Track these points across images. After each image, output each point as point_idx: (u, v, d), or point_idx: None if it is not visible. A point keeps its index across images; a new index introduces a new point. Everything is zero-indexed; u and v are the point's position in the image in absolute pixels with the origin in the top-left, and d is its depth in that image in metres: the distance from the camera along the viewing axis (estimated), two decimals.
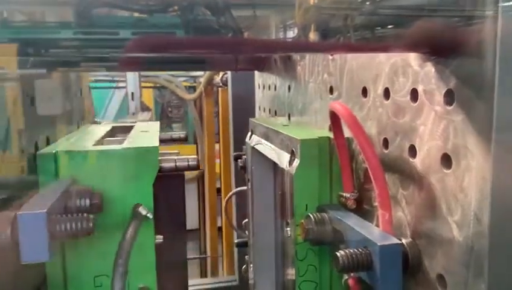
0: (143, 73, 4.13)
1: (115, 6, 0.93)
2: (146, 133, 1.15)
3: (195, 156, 1.00)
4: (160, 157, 0.91)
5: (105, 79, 4.63)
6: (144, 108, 4.34)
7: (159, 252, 0.93)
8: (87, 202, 0.80)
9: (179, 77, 4.36)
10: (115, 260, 0.81)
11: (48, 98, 1.68)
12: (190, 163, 0.97)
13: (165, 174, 0.94)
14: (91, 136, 1.09)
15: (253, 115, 1.66)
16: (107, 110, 6.45)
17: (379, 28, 0.90)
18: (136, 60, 1.69)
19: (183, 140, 1.61)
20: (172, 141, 1.52)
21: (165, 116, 6.98)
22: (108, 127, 1.35)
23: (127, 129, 1.31)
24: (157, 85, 4.72)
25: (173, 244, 1.12)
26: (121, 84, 5.10)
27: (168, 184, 1.06)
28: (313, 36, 1.17)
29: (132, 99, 4.03)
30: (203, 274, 4.42)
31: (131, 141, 1.00)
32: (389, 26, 0.85)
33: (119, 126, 1.35)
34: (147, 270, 0.90)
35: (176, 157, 0.98)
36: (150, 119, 4.18)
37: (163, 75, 4.19)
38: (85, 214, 0.75)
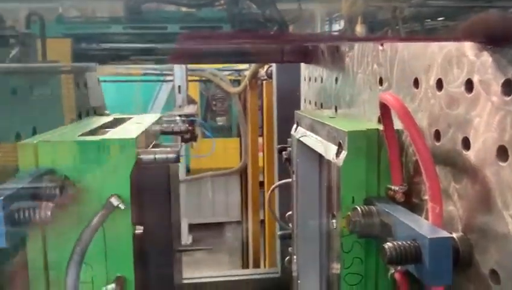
0: (189, 67, 4.21)
1: (164, 1, 0.95)
2: (136, 124, 1.14)
3: (175, 149, 0.97)
4: (139, 150, 0.91)
5: (154, 72, 4.74)
6: (190, 101, 4.42)
7: (141, 242, 0.94)
8: (57, 191, 0.81)
9: (224, 71, 4.42)
10: (73, 247, 0.81)
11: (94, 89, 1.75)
12: (169, 156, 0.94)
13: (148, 166, 0.93)
14: (84, 128, 1.09)
15: (298, 108, 1.66)
16: (154, 103, 6.63)
17: (428, 19, 0.88)
18: (185, 53, 1.74)
19: (184, 133, 1.60)
20: (174, 133, 1.51)
21: (209, 110, 7.08)
22: (109, 119, 1.36)
23: (126, 121, 1.32)
24: (203, 78, 4.79)
25: (158, 235, 1.12)
26: (168, 78, 5.23)
27: (152, 176, 1.07)
28: (359, 29, 1.16)
29: (179, 92, 4.13)
30: (245, 265, 4.48)
31: (113, 132, 1.01)
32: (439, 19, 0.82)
33: (121, 118, 1.36)
34: (124, 260, 0.90)
35: (155, 149, 0.96)
36: (196, 113, 4.25)
37: (209, 69, 4.26)
38: (44, 203, 0.75)
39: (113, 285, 0.87)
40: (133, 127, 1.07)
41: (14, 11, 1.45)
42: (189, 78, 5.14)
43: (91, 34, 1.80)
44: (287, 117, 2.25)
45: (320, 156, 1.13)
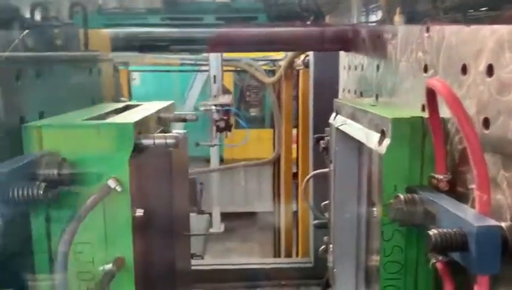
0: (224, 57, 4.23)
1: None
2: (142, 111, 1.17)
3: (175, 134, 0.99)
4: (140, 135, 0.94)
5: (190, 63, 4.79)
6: (225, 91, 4.45)
7: (141, 226, 0.95)
8: (55, 172, 0.84)
9: (259, 61, 4.41)
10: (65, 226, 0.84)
11: None
12: (168, 141, 0.97)
13: (151, 150, 0.96)
14: (93, 113, 1.12)
15: (335, 98, 1.64)
16: (190, 93, 6.71)
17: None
18: (221, 42, 1.75)
19: (195, 121, 1.62)
20: (184, 121, 1.54)
21: (243, 100, 7.11)
22: (121, 105, 1.39)
23: (136, 107, 1.36)
24: (238, 69, 4.81)
25: (159, 219, 1.14)
26: (203, 68, 5.27)
27: (156, 160, 1.09)
28: (398, 19, 1.13)
29: (214, 82, 4.18)
30: (277, 255, 4.50)
31: (116, 118, 1.04)
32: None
33: (133, 104, 1.40)
34: (123, 241, 0.91)
35: (155, 134, 0.99)
36: (231, 103, 4.29)
37: (244, 59, 4.27)
38: (37, 182, 0.79)
39: (110, 265, 0.89)
40: (138, 113, 1.10)
41: (57, 2, 1.50)
42: (224, 68, 5.17)
43: (130, 25, 1.85)
44: (323, 107, 2.24)
45: (360, 145, 1.12)
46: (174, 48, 1.98)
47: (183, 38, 1.79)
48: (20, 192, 0.77)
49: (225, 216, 6.70)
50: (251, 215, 6.93)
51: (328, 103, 1.47)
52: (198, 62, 4.74)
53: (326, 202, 1.42)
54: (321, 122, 2.01)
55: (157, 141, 0.95)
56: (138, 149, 0.94)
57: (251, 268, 2.42)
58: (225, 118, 4.04)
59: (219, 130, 4.13)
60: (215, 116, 4.04)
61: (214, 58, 4.15)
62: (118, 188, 0.88)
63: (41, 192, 0.78)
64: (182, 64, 4.77)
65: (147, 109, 1.21)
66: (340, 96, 1.61)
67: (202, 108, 4.10)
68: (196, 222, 4.51)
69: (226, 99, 4.18)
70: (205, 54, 4.17)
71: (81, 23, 1.52)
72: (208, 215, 5.95)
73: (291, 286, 2.34)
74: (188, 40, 1.80)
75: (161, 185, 1.21)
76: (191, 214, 4.49)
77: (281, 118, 3.92)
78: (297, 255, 3.35)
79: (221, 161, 6.61)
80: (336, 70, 1.69)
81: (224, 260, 2.44)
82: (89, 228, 0.90)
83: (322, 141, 1.34)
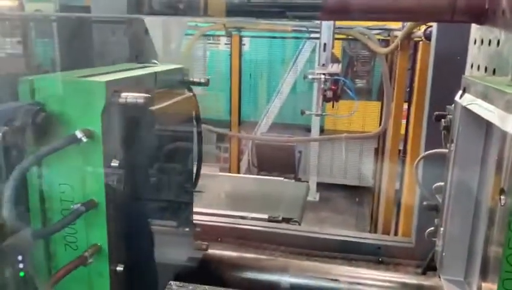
0: (336, 24, 4.12)
1: None
2: (136, 70, 1.27)
3: (146, 95, 1.07)
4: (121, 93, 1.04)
5: (301, 29, 4.76)
6: (334, 60, 4.35)
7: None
8: (29, 120, 0.97)
9: (373, 30, 4.22)
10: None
11: None
12: (138, 100, 1.06)
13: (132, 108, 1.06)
14: (97, 71, 1.20)
15: (459, 74, 1.52)
16: (297, 60, 6.69)
17: None
18: (337, 10, 1.71)
19: (205, 85, 1.57)
20: (192, 83, 1.53)
21: (350, 70, 6.92)
22: (137, 66, 1.44)
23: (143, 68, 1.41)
24: (349, 37, 4.67)
25: (136, 175, 1.19)
26: (312, 35, 5.20)
27: (137, 118, 1.14)
28: None
29: (324, 50, 4.08)
30: (372, 230, 4.44)
31: (104, 76, 1.11)
32: None
33: (146, 66, 1.44)
34: (97, 186, 1.05)
35: (129, 93, 1.06)
36: (340, 72, 4.19)
37: (357, 27, 4.12)
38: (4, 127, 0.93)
39: (78, 205, 1.02)
40: (128, 72, 1.21)
41: None
42: (335, 36, 5.05)
43: None
44: (444, 83, 2.09)
45: (488, 127, 1.04)
46: (288, 14, 1.98)
47: (298, 4, 1.77)
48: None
49: (322, 186, 6.72)
50: (349, 188, 6.85)
51: (450, 79, 1.37)
52: (309, 29, 4.68)
53: (439, 183, 1.35)
54: (439, 100, 1.89)
55: (128, 100, 1.05)
56: (115, 105, 1.05)
57: (348, 240, 2.42)
58: (333, 87, 3.96)
59: (326, 100, 4.08)
60: (323, 85, 3.97)
61: (326, 26, 4.04)
62: (84, 139, 1.00)
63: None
64: (293, 31, 4.76)
65: (146, 70, 1.30)
66: (466, 72, 1.49)
67: (310, 76, 4.05)
68: (293, 188, 4.59)
69: (335, 68, 4.08)
70: (317, 22, 4.10)
71: None
72: (306, 183, 6.01)
73: (389, 263, 2.30)
74: (302, 6, 1.78)
75: (150, 140, 1.27)
76: (289, 181, 4.58)
77: (392, 91, 3.76)
78: (395, 233, 3.27)
79: (322, 131, 6.57)
80: (462, 44, 1.56)
81: (320, 229, 2.46)
82: (70, 171, 1.05)
83: (443, 120, 1.26)
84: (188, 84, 1.48)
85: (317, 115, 5.02)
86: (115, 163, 1.08)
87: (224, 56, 6.55)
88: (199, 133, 1.63)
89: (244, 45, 6.09)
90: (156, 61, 1.67)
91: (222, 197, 3.36)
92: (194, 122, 1.61)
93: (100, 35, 1.57)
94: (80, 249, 1.07)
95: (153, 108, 1.15)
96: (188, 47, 5.30)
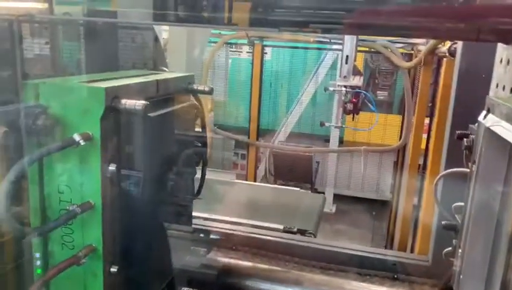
0: (360, 36, 4.10)
1: None
2: (140, 77, 1.30)
3: (144, 102, 1.09)
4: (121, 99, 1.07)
5: (323, 40, 4.76)
6: (356, 72, 4.32)
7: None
8: (30, 121, 1.01)
9: (396, 43, 4.20)
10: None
11: None
12: (136, 107, 1.09)
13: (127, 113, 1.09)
14: (103, 76, 1.25)
15: (483, 93, 1.50)
16: (317, 71, 6.68)
17: None
18: (362, 24, 1.70)
19: (208, 93, 1.58)
20: (196, 91, 1.55)
21: (372, 82, 6.87)
22: (143, 73, 1.47)
23: (147, 76, 1.43)
24: (372, 50, 4.65)
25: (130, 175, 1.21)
26: (334, 47, 5.20)
27: (136, 124, 1.17)
28: None
29: (346, 62, 4.02)
30: (388, 246, 4.38)
31: (104, 82, 1.14)
32: None
33: (153, 73, 1.48)
34: (93, 188, 1.08)
35: (128, 100, 1.09)
36: (362, 85, 4.19)
37: (380, 40, 4.10)
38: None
39: (74, 206, 1.07)
40: (131, 80, 1.23)
41: None
42: (358, 48, 5.02)
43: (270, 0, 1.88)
44: (467, 101, 2.07)
45: None
46: (312, 26, 1.98)
47: (322, 16, 1.77)
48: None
49: (338, 198, 6.67)
50: (366, 201, 6.78)
51: (473, 97, 1.35)
52: (332, 40, 4.68)
53: (459, 203, 1.33)
54: (462, 117, 1.86)
55: (127, 107, 1.09)
56: (114, 110, 1.08)
57: (363, 255, 2.39)
58: (354, 100, 3.96)
59: (346, 112, 4.07)
60: (344, 98, 3.96)
61: (348, 38, 4.01)
62: (82, 142, 1.03)
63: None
64: (315, 42, 4.76)
65: (150, 78, 1.33)
66: (491, 92, 1.47)
67: (331, 88, 4.04)
68: (309, 199, 4.56)
69: (356, 81, 4.07)
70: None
71: None
72: (323, 194, 5.98)
73: (404, 281, 2.26)
74: (327, 19, 1.78)
75: (149, 145, 1.30)
76: (305, 191, 4.55)
77: (413, 105, 3.72)
78: (411, 250, 3.22)
79: (341, 142, 6.53)
80: (487, 63, 1.54)
81: (335, 243, 2.44)
82: (69, 173, 1.09)
83: (465, 139, 1.25)
84: (192, 92, 1.51)
85: (336, 127, 5.00)
86: (112, 166, 1.11)
87: (246, 64, 6.59)
88: (203, 140, 1.64)
89: (266, 54, 6.13)
90: (165, 68, 1.71)
91: (238, 205, 3.36)
92: (193, 128, 1.64)
93: (111, 42, 1.61)
94: (76, 249, 1.11)
95: (151, 114, 1.18)
96: (211, 54, 5.35)
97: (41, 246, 1.13)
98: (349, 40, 4.00)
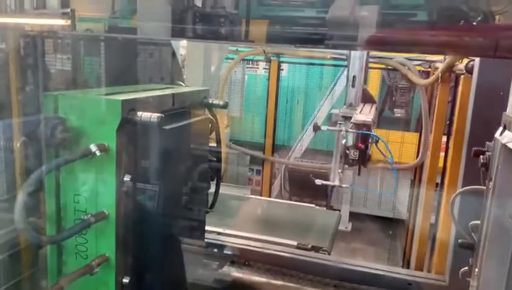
0: (374, 53, 4.08)
1: None
2: (156, 90, 1.34)
3: (159, 115, 1.12)
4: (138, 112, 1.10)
5: (341, 57, 4.76)
6: (367, 99, 3.30)
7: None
8: (48, 132, 1.04)
9: (413, 61, 4.18)
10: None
11: None
12: (151, 119, 1.11)
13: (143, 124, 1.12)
14: (121, 90, 1.28)
15: (500, 110, 1.49)
16: (334, 88, 6.67)
17: None
18: (377, 41, 1.71)
19: (223, 107, 1.59)
20: (211, 105, 1.57)
21: (389, 100, 6.83)
22: (159, 87, 1.51)
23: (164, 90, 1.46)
24: (388, 67, 4.63)
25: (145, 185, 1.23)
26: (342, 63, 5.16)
27: (151, 136, 1.20)
28: None
29: (352, 85, 3.11)
30: (405, 265, 4.29)
31: (121, 94, 1.16)
32: None
33: (168, 87, 1.52)
34: (108, 199, 1.09)
35: (143, 113, 1.13)
36: (373, 120, 2.95)
37: (397, 57, 4.09)
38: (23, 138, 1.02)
39: (88, 215, 1.09)
40: (147, 93, 1.27)
41: None
42: (373, 65, 5.01)
43: (287, 17, 1.90)
44: (484, 118, 2.04)
45: None
46: (327, 43, 1.99)
47: (337, 33, 1.77)
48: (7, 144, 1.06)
49: (354, 216, 6.58)
50: (382, 219, 6.67)
51: (491, 114, 1.34)
52: (341, 56, 4.67)
53: (476, 222, 1.31)
54: (479, 135, 1.84)
55: (143, 118, 1.12)
56: (130, 122, 1.11)
57: (378, 274, 2.35)
58: (361, 145, 2.60)
59: (348, 163, 2.71)
60: (344, 140, 2.62)
61: (356, 54, 3.16)
62: (97, 153, 1.06)
63: (18, 145, 1.07)
64: (332, 58, 4.76)
65: (165, 92, 1.37)
66: (508, 109, 1.45)
67: (325, 127, 2.80)
68: (324, 216, 4.52)
69: (365, 115, 2.89)
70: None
71: (244, 13, 1.64)
72: (338, 211, 5.91)
73: None
74: (342, 36, 1.78)
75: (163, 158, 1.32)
76: (320, 208, 4.51)
77: (431, 123, 3.68)
78: (428, 270, 3.15)
79: None
80: (504, 79, 1.53)
81: (350, 260, 2.41)
82: (85, 183, 1.11)
83: (482, 156, 1.23)
84: (207, 106, 1.53)
85: (332, 186, 3.64)
86: (127, 177, 1.13)
87: (262, 80, 6.63)
88: (218, 155, 1.66)
89: (282, 70, 6.16)
90: (181, 83, 1.75)
91: (252, 220, 3.35)
92: (208, 142, 1.66)
93: (129, 57, 1.66)
94: (90, 258, 1.12)
95: (166, 127, 1.20)
96: (228, 70, 5.40)
97: (56, 254, 1.14)
98: (357, 59, 3.16)
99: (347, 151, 2.70)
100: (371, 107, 3.25)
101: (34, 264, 1.22)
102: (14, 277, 1.17)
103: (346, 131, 2.63)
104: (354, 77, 3.17)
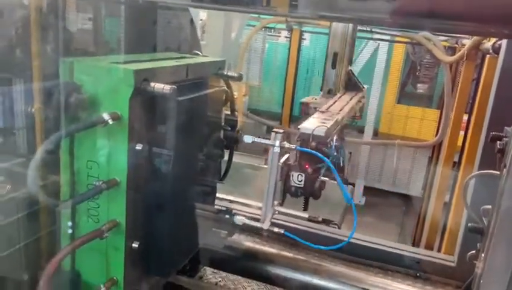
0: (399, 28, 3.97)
1: None
2: (171, 60, 1.34)
3: (172, 86, 1.11)
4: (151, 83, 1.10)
5: (362, 29, 4.62)
6: (352, 85, 2.56)
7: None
8: (64, 98, 1.06)
9: (439, 36, 4.05)
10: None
11: None
12: (164, 90, 1.11)
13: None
14: (135, 58, 1.28)
15: None
16: (356, 60, 6.54)
17: None
18: (410, 14, 1.64)
19: (238, 79, 1.55)
20: (226, 77, 1.54)
21: (412, 75, 6.67)
22: (174, 56, 1.49)
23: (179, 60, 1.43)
24: (413, 41, 4.50)
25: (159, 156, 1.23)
26: (375, 36, 5.02)
27: (164, 106, 1.19)
28: None
29: (333, 66, 2.30)
30: (416, 244, 4.30)
31: (136, 63, 1.16)
32: None
33: (185, 57, 1.49)
34: (120, 166, 1.11)
35: (156, 84, 1.13)
36: (342, 124, 2.29)
37: (423, 32, 3.96)
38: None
39: (100, 182, 1.10)
40: (161, 63, 1.26)
41: None
42: (398, 39, 4.88)
43: None
44: (506, 101, 1.99)
45: None
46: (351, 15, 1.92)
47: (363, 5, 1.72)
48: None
49: (368, 190, 6.58)
50: (396, 195, 6.65)
51: None
52: (373, 29, 4.55)
53: (488, 206, 1.30)
54: (500, 118, 1.79)
55: (156, 89, 1.12)
56: (143, 92, 1.11)
57: (386, 250, 2.37)
58: (307, 168, 1.69)
59: (290, 191, 1.73)
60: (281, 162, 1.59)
61: (337, 27, 2.46)
62: (110, 121, 1.06)
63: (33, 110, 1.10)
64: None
65: (179, 61, 1.36)
66: None
67: (250, 139, 1.37)
68: (338, 190, 4.51)
69: (326, 117, 2.02)
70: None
71: None
72: (351, 186, 5.92)
73: (427, 279, 2.23)
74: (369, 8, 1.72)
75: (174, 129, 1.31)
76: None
77: (453, 101, 3.60)
78: (438, 249, 3.15)
79: (375, 134, 6.42)
80: None
81: (359, 235, 2.43)
82: (97, 150, 1.13)
83: (499, 142, 1.21)
84: (222, 77, 1.52)
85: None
86: (138, 146, 1.15)
87: (283, 50, 6.53)
88: (232, 124, 1.65)
89: (304, 39, 6.04)
90: (198, 52, 1.72)
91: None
92: (222, 113, 1.64)
93: (149, 23, 1.63)
94: (101, 222, 1.16)
95: (179, 98, 1.20)
96: (248, 38, 5.33)
97: (68, 217, 1.18)
98: (340, 30, 2.43)
99: (286, 180, 1.76)
100: (354, 98, 2.33)
101: (52, 223, 1.26)
102: (34, 233, 1.21)
103: (282, 147, 1.62)
104: (335, 54, 2.49)
